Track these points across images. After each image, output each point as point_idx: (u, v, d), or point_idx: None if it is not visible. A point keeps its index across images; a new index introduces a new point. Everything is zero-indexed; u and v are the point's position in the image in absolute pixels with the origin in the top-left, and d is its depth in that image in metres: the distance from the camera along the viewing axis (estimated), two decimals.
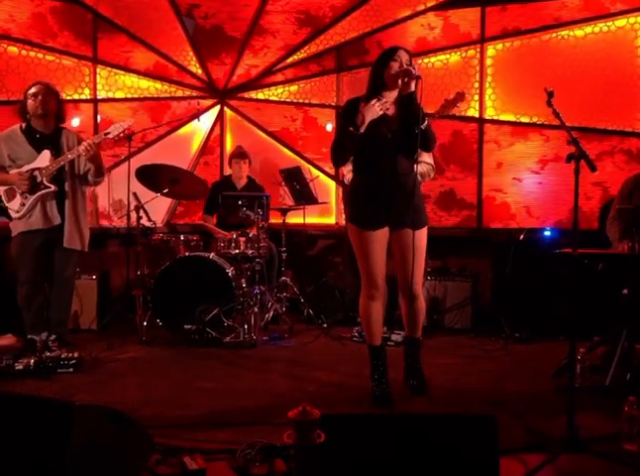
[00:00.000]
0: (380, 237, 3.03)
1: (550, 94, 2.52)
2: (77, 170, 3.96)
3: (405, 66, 2.90)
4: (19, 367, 3.41)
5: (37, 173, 3.79)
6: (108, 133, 3.95)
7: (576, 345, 2.53)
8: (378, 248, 3.02)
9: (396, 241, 3.07)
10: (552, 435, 2.44)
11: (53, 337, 3.91)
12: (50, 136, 3.91)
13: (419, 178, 3.24)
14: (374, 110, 2.89)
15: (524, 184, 5.24)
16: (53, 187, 3.82)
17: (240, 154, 5.25)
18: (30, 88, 3.87)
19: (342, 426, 1.57)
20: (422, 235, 3.07)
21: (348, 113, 2.98)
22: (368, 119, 2.88)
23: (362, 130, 2.88)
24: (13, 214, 3.86)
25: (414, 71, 2.86)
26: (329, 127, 5.64)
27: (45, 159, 3.82)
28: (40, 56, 5.26)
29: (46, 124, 3.90)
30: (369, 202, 3.03)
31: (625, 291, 3.31)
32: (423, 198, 3.21)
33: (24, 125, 3.90)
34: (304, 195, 5.12)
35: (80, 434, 1.92)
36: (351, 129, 2.89)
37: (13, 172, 3.83)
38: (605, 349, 3.48)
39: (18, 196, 3.83)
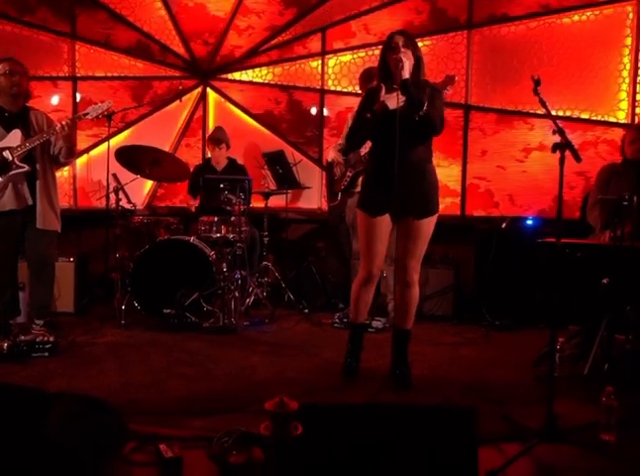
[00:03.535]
0: (380, 224, 3.07)
1: (537, 82, 2.49)
2: (50, 150, 3.84)
3: (395, 56, 2.88)
4: None
5: (7, 152, 3.66)
6: (86, 114, 3.85)
7: (556, 334, 2.53)
8: (377, 234, 3.08)
9: (398, 228, 3.10)
10: (531, 425, 2.45)
11: (41, 322, 3.84)
12: (18, 115, 3.78)
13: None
14: (395, 100, 2.87)
15: (508, 173, 5.23)
16: (26, 167, 3.70)
17: (214, 139, 5.12)
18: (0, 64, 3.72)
19: (320, 417, 1.54)
20: (424, 225, 3.05)
21: (366, 100, 3.04)
22: (390, 107, 2.88)
23: (375, 116, 2.90)
24: None
25: (401, 61, 2.84)
26: (313, 110, 5.57)
27: (15, 138, 3.70)
28: (16, 31, 5.11)
29: (14, 102, 3.77)
30: (372, 189, 3.11)
31: (605, 280, 3.32)
32: (435, 186, 3.12)
33: None
34: (287, 180, 5.06)
35: (53, 423, 1.87)
36: (368, 115, 2.94)
37: None
38: (581, 339, 3.49)
39: None
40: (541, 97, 2.46)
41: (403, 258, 3.09)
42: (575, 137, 4.96)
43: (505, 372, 3.39)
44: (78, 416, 1.90)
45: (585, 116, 5.00)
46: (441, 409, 1.68)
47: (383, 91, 2.97)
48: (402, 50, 2.90)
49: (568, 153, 2.34)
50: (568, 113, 5.01)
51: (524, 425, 2.47)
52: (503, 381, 3.21)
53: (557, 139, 2.40)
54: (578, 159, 2.30)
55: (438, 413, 1.65)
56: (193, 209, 5.07)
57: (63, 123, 3.66)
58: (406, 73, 2.85)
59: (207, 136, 5.33)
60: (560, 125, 2.42)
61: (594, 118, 4.98)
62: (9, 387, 1.90)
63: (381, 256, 3.15)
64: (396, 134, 2.85)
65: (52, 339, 3.54)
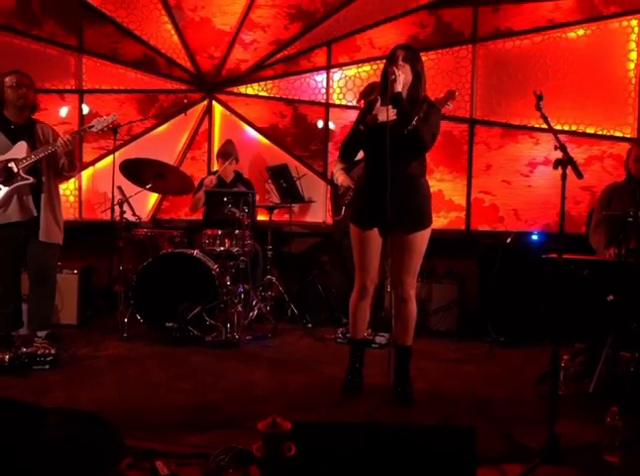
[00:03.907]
0: (371, 237, 3.07)
1: (539, 98, 2.48)
2: (55, 163, 3.84)
3: (390, 68, 2.91)
4: None
5: (12, 163, 3.67)
6: (91, 126, 3.86)
7: (559, 352, 2.49)
8: (369, 248, 3.08)
9: (392, 243, 3.09)
10: (533, 444, 2.41)
11: (43, 334, 3.82)
12: (24, 127, 3.80)
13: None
14: (384, 112, 2.89)
15: (513, 187, 5.20)
16: (31, 179, 3.71)
17: (224, 153, 5.12)
18: (7, 76, 3.72)
19: (314, 437, 1.51)
20: (416, 239, 3.03)
21: (363, 112, 3.08)
22: (380, 120, 2.90)
23: (368, 128, 2.94)
24: None
25: (394, 73, 2.86)
26: (320, 123, 5.57)
27: (21, 150, 3.71)
28: (24, 44, 5.16)
29: (20, 114, 3.79)
30: (363, 202, 3.13)
31: (610, 297, 3.29)
32: (427, 200, 3.09)
33: None
34: (291, 193, 5.06)
35: (48, 437, 1.86)
36: (361, 127, 2.98)
37: None
38: (586, 356, 3.44)
39: None
40: (543, 113, 2.45)
41: (398, 273, 3.08)
42: (580, 151, 4.94)
43: (508, 389, 3.34)
44: (73, 431, 1.88)
45: (590, 131, 4.97)
46: (439, 428, 1.65)
47: (378, 104, 2.98)
48: (400, 64, 2.92)
49: (570, 169, 2.32)
50: (573, 128, 4.99)
51: (526, 445, 2.43)
52: (506, 398, 3.17)
53: (560, 154, 2.38)
54: (579, 175, 2.28)
55: (436, 432, 1.62)
56: (201, 205, 5.03)
57: (65, 139, 3.67)
58: (398, 87, 2.87)
59: (217, 149, 5.32)
60: (561, 141, 2.40)
61: (600, 133, 4.95)
62: (3, 400, 1.89)
63: (375, 269, 3.15)
64: (382, 146, 2.85)
65: (53, 352, 3.53)
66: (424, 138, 2.91)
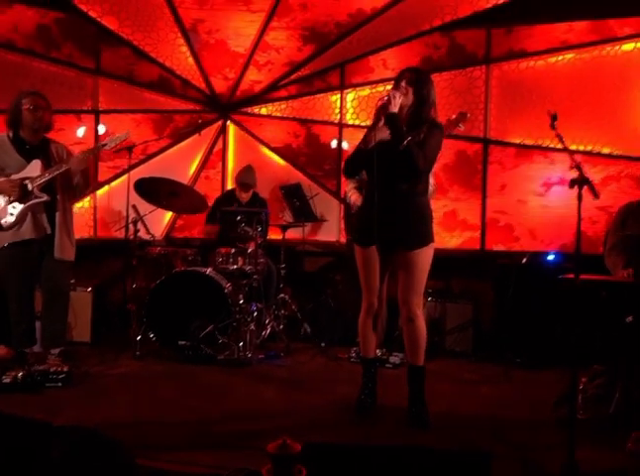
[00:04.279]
0: (371, 256, 3.10)
1: (553, 117, 2.48)
2: (70, 181, 3.88)
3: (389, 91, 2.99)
4: (6, 380, 3.35)
5: (27, 181, 3.72)
6: (104, 145, 3.90)
7: (577, 374, 2.44)
8: (370, 266, 3.12)
9: (394, 263, 3.12)
10: (551, 470, 2.35)
11: (56, 352, 3.82)
12: (38, 147, 3.84)
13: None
14: (385, 132, 2.95)
15: (529, 207, 5.17)
16: (45, 197, 3.75)
17: (243, 184, 5.12)
18: (25, 98, 3.76)
19: (326, 459, 1.48)
20: (417, 256, 3.03)
21: (368, 130, 3.12)
22: (378, 138, 2.95)
23: (368, 146, 2.99)
24: (2, 222, 3.73)
25: (391, 95, 2.92)
26: (334, 143, 5.60)
27: (35, 168, 3.75)
28: (43, 66, 5.26)
29: (35, 136, 3.84)
30: (363, 220, 3.17)
31: (629, 318, 3.22)
32: (424, 218, 3.12)
33: (11, 134, 3.81)
34: (304, 212, 5.06)
35: (58, 457, 1.84)
36: (361, 146, 3.05)
37: (1, 180, 3.75)
38: (604, 379, 3.37)
39: (3, 204, 3.73)
40: (558, 133, 2.44)
41: (402, 293, 3.09)
42: (597, 171, 4.91)
43: (525, 413, 3.28)
44: (84, 451, 1.86)
45: (605, 151, 4.94)
46: (454, 453, 1.61)
47: (381, 123, 3.00)
48: (402, 85, 3.00)
49: (586, 188, 2.29)
50: (589, 148, 4.96)
51: (544, 471, 2.37)
52: (523, 422, 3.10)
53: (576, 174, 2.36)
54: (595, 195, 2.26)
55: (451, 457, 1.58)
56: (214, 236, 5.05)
57: (78, 158, 3.72)
58: (394, 108, 2.92)
59: (236, 175, 5.28)
60: (577, 160, 2.38)
61: (616, 153, 4.91)
62: (14, 418, 1.88)
63: (373, 284, 3.16)
64: (380, 165, 2.92)
65: (65, 369, 3.53)
66: (414, 158, 2.92)
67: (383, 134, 2.96)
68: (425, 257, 3.06)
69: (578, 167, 2.31)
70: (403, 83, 3.01)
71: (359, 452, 1.50)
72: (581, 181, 2.27)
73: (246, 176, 5.18)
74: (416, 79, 3.02)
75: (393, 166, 2.95)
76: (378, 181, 2.97)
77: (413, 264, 3.03)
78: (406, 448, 1.53)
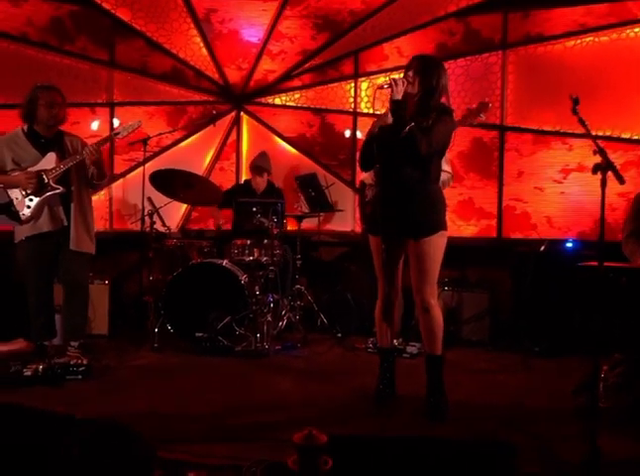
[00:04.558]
0: (379, 243, 3.11)
1: (575, 101, 2.43)
2: (85, 172, 3.89)
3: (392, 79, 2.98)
4: (27, 373, 3.38)
5: (43, 174, 3.74)
6: (117, 133, 3.91)
7: (599, 362, 2.41)
8: (379, 253, 3.12)
9: (406, 252, 3.11)
10: (571, 460, 2.33)
11: (76, 344, 3.86)
12: (53, 140, 3.85)
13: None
14: (386, 119, 2.96)
15: (546, 194, 5.10)
16: (61, 189, 3.76)
17: (256, 167, 5.17)
18: (41, 93, 3.77)
19: (351, 450, 1.47)
20: (426, 245, 2.99)
21: (374, 121, 3.15)
22: (378, 125, 2.99)
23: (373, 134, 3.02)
24: (21, 215, 3.77)
25: (393, 83, 2.90)
26: (347, 133, 5.56)
27: (50, 161, 3.77)
28: (57, 59, 5.27)
29: (50, 130, 3.86)
30: (374, 209, 3.19)
31: None
32: (433, 206, 3.06)
33: (25, 128, 3.82)
34: (320, 202, 5.04)
35: (80, 449, 1.86)
36: (369, 138, 3.06)
37: (17, 173, 3.76)
38: (625, 367, 3.33)
39: (20, 198, 3.75)
40: (580, 116, 2.39)
41: (416, 283, 3.06)
42: (616, 157, 4.81)
43: (544, 401, 3.25)
44: (105, 444, 1.88)
45: (625, 136, 4.85)
46: (479, 444, 1.60)
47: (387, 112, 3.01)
48: (410, 74, 2.98)
49: (609, 174, 2.25)
50: (608, 133, 4.87)
51: (565, 461, 2.35)
52: (542, 411, 3.08)
53: (598, 159, 2.31)
54: (621, 180, 2.21)
55: (476, 448, 1.57)
56: (215, 227, 5.10)
57: (92, 148, 3.72)
58: (397, 95, 2.89)
59: (250, 161, 5.32)
60: (601, 145, 2.33)
61: (635, 137, 4.82)
62: (37, 411, 1.90)
63: (386, 273, 3.15)
64: (387, 153, 2.96)
65: (85, 362, 3.56)
66: (417, 143, 2.87)
67: (385, 120, 2.96)
68: (435, 245, 3.01)
69: (601, 151, 2.26)
70: (410, 73, 2.99)
71: (384, 444, 1.49)
72: (605, 167, 2.22)
73: (260, 159, 5.19)
74: (423, 68, 2.99)
75: (399, 153, 2.94)
76: (385, 169, 3.00)
77: (423, 252, 3.00)
78: (431, 439, 1.52)
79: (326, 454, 1.38)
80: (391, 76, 3.02)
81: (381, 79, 5.16)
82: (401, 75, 3.03)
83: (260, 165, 5.16)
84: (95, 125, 5.42)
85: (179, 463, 2.25)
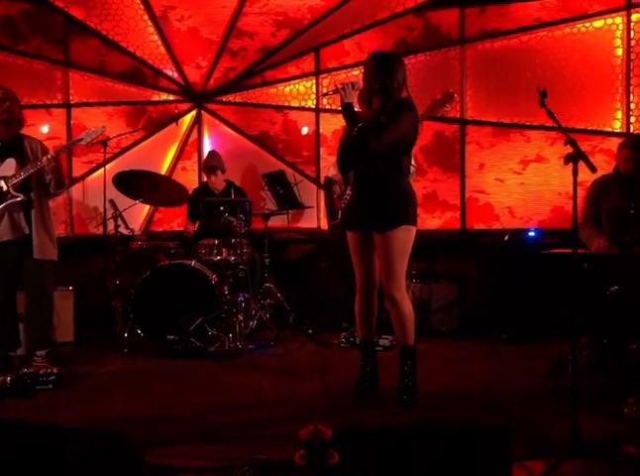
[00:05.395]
0: (355, 238, 3.18)
1: (542, 94, 2.50)
2: (44, 179, 3.77)
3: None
4: None
5: (2, 182, 3.61)
6: (80, 139, 3.80)
7: (575, 346, 2.50)
8: (352, 247, 3.20)
9: (375, 246, 3.13)
10: (553, 439, 2.41)
11: (42, 353, 3.75)
12: (11, 143, 3.73)
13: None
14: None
15: (507, 185, 5.23)
16: (21, 197, 3.64)
17: (208, 167, 5.08)
18: None
19: (356, 443, 1.49)
20: (392, 238, 3.00)
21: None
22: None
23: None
24: None
25: (338, 85, 3.07)
26: (304, 130, 5.56)
27: (9, 167, 3.64)
28: (9, 60, 5.09)
29: (7, 130, 3.72)
30: (346, 205, 3.32)
31: (613, 289, 3.30)
32: (397, 199, 3.06)
33: None
34: (288, 200, 5.04)
35: (71, 458, 1.81)
36: (342, 140, 3.19)
37: None
38: (592, 350, 3.45)
39: None
40: (548, 109, 2.46)
41: (382, 277, 3.10)
42: (571, 147, 4.98)
43: (517, 386, 3.34)
44: (97, 452, 1.83)
45: (579, 127, 5.01)
46: (475, 428, 1.64)
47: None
48: (364, 72, 3.09)
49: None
50: (563, 124, 5.01)
51: (547, 441, 2.42)
52: (517, 395, 3.17)
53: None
54: (593, 169, 2.30)
55: (471, 432, 1.61)
56: (192, 233, 5.03)
57: (49, 156, 3.61)
58: (346, 99, 3.02)
59: (202, 163, 5.27)
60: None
61: (590, 128, 5.00)
62: (23, 423, 1.84)
63: (360, 267, 3.20)
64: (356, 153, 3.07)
65: (55, 371, 3.46)
66: (367, 141, 2.93)
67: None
68: (399, 239, 3.01)
69: (572, 141, 2.34)
70: (365, 70, 3.07)
71: (388, 435, 1.51)
72: (576, 156, 2.30)
73: (210, 159, 5.13)
74: (377, 65, 3.04)
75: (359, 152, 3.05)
76: (356, 167, 3.13)
77: (386, 246, 3.00)
78: (433, 426, 1.55)
79: (332, 448, 1.39)
80: (337, 81, 3.16)
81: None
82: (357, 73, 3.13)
83: (211, 164, 5.08)
84: (45, 129, 5.25)
85: (168, 467, 2.22)
